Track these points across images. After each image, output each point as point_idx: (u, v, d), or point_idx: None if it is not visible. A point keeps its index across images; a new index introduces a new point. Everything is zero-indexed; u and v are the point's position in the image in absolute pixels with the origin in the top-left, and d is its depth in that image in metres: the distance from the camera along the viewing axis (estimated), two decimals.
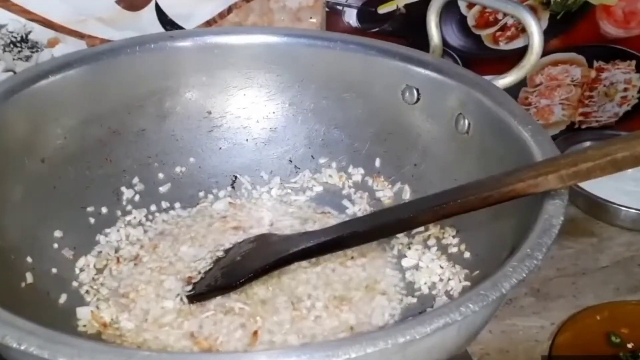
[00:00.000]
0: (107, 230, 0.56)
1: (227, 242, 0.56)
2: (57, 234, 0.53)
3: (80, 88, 0.55)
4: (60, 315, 0.49)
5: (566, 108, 0.76)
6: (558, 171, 0.39)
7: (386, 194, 0.60)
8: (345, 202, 0.61)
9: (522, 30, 0.69)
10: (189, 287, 0.51)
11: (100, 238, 0.56)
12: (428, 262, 0.53)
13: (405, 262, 0.54)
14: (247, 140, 0.63)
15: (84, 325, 0.49)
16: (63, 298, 0.50)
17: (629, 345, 0.56)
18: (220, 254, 0.54)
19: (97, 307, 0.50)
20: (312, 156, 0.63)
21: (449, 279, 0.51)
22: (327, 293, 0.50)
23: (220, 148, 0.62)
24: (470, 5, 0.68)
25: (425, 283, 0.52)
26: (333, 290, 0.51)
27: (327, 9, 0.67)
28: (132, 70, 0.57)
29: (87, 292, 0.51)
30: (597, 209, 0.73)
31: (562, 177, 0.39)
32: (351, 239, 0.48)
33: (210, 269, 0.52)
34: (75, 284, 0.52)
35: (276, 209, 0.60)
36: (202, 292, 0.50)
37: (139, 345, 0.47)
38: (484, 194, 0.42)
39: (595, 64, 0.74)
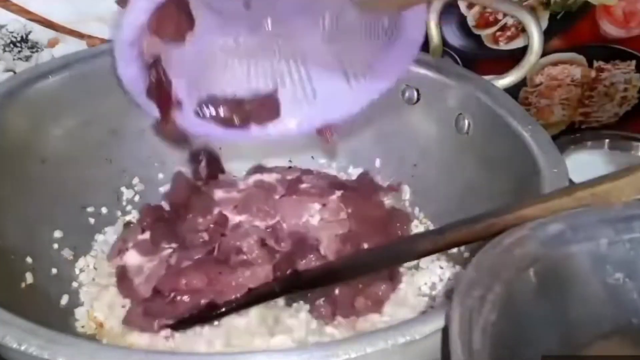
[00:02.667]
0: (107, 231, 0.57)
1: None
2: (57, 234, 0.53)
3: (80, 88, 0.55)
4: (60, 316, 0.49)
5: (566, 108, 0.76)
6: (574, 193, 0.35)
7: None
8: None
9: (522, 30, 0.68)
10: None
11: (100, 238, 0.56)
12: (428, 263, 0.53)
13: (405, 263, 0.54)
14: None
15: (82, 327, 0.49)
16: (63, 298, 0.50)
17: None
18: None
19: (92, 307, 0.50)
20: (312, 156, 0.63)
21: (449, 279, 0.51)
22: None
23: (220, 148, 0.62)
24: (471, 5, 0.68)
25: (425, 283, 0.52)
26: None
27: None
28: None
29: (86, 292, 0.51)
30: None
31: (577, 199, 0.35)
32: (346, 272, 0.46)
33: None
34: (75, 284, 0.52)
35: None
36: (184, 320, 0.48)
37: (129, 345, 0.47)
38: (488, 222, 0.37)
39: (595, 64, 0.74)
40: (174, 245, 0.52)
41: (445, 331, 0.34)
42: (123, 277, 0.50)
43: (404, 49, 0.43)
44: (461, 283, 0.33)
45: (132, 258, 0.51)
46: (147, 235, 0.53)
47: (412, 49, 0.43)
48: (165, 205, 0.57)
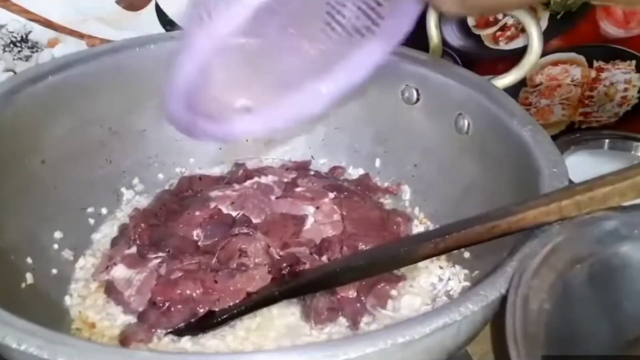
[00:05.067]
0: (107, 231, 0.57)
1: None
2: (57, 234, 0.53)
3: (81, 88, 0.55)
4: (60, 316, 0.49)
5: (566, 108, 0.76)
6: (573, 197, 0.36)
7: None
8: None
9: (522, 30, 0.68)
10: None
11: (99, 238, 0.56)
12: (427, 263, 0.53)
13: (406, 266, 0.54)
14: (247, 140, 0.63)
15: (79, 329, 0.49)
16: (63, 298, 0.50)
17: None
18: None
19: (84, 307, 0.50)
20: (312, 156, 0.63)
21: (449, 279, 0.51)
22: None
23: (220, 148, 0.62)
24: None
25: (425, 283, 0.52)
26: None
27: None
28: (132, 70, 0.57)
29: (81, 292, 0.51)
30: None
31: (578, 204, 0.35)
32: (346, 276, 0.45)
33: None
34: (75, 284, 0.52)
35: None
36: (181, 328, 0.47)
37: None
38: (490, 224, 0.37)
39: (595, 64, 0.74)
40: (161, 254, 0.51)
41: (498, 320, 0.34)
42: (112, 291, 0.50)
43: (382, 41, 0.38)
44: (517, 273, 0.34)
45: (119, 272, 0.51)
46: (133, 249, 0.52)
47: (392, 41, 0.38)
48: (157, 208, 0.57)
